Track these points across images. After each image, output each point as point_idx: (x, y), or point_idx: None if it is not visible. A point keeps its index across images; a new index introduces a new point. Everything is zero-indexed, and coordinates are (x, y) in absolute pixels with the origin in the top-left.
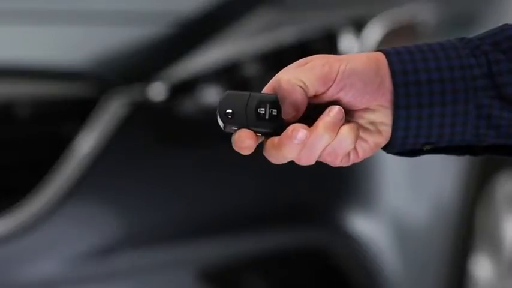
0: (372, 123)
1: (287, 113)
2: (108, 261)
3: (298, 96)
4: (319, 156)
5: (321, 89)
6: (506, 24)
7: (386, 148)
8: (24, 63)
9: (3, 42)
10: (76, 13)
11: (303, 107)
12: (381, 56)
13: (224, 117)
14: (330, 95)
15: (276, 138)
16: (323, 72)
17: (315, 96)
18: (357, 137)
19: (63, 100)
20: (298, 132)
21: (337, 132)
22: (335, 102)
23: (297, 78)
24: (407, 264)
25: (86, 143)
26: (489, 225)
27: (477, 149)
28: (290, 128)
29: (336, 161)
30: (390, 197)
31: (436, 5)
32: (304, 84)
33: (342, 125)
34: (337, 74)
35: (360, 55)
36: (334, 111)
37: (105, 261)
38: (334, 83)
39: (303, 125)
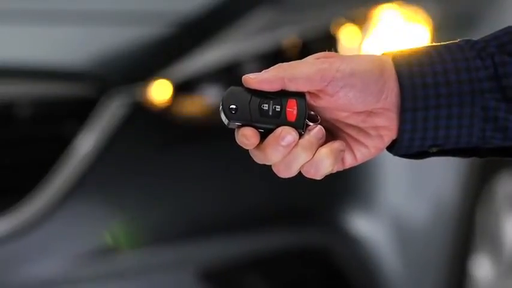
0: (375, 127)
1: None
2: (108, 261)
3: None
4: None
5: (314, 86)
6: (511, 27)
7: (393, 150)
8: (24, 63)
9: (3, 42)
10: (76, 13)
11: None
12: (386, 59)
13: (228, 112)
14: (330, 92)
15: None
16: (321, 68)
17: (316, 92)
18: (338, 159)
19: (63, 100)
20: (287, 135)
21: (316, 152)
22: (336, 100)
23: (287, 72)
24: (407, 264)
25: (86, 143)
26: (489, 225)
27: (483, 151)
28: (279, 129)
29: (317, 177)
30: (390, 197)
31: (437, 5)
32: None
33: (324, 144)
34: (337, 71)
35: (364, 56)
36: (313, 131)
37: (105, 261)
38: (333, 80)
39: (294, 129)
